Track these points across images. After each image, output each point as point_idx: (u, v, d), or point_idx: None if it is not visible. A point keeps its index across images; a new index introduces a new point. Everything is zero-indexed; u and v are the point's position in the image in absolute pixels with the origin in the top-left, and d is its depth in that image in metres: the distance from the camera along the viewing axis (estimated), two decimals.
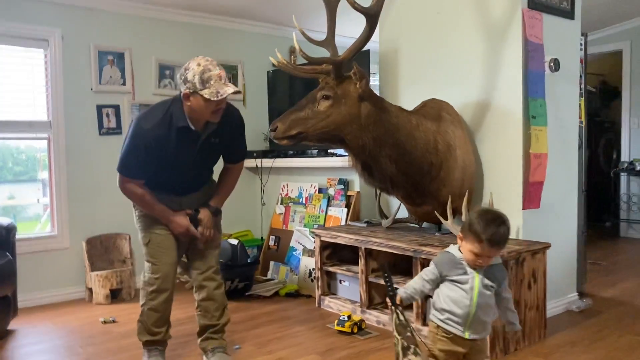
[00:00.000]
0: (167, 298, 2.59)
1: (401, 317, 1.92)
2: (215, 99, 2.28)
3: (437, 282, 1.97)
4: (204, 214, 2.60)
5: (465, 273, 1.93)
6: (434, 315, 2.00)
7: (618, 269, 4.58)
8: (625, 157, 6.10)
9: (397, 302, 1.95)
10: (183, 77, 2.31)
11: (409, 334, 1.90)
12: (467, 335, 1.93)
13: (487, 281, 1.93)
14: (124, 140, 2.48)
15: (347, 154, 3.68)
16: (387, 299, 1.97)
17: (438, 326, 1.97)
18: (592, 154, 6.17)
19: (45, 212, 4.13)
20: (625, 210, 6.12)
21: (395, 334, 1.91)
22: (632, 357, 2.65)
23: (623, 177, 6.16)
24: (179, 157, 2.45)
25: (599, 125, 6.80)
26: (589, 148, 3.91)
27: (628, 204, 6.09)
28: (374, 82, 4.49)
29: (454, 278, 1.94)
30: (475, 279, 1.91)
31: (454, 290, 1.93)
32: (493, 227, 1.87)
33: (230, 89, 2.30)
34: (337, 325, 3.08)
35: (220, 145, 2.57)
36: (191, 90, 2.30)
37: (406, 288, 2.00)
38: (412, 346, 1.87)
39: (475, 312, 1.91)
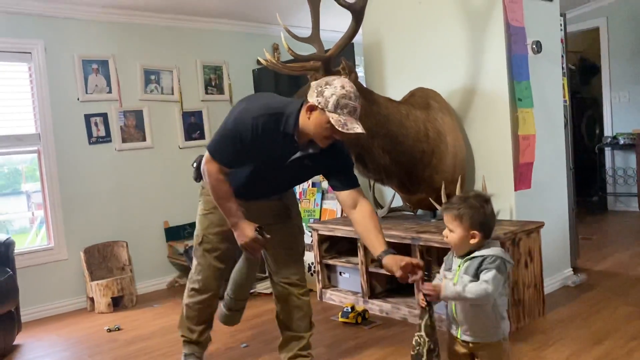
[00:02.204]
0: (205, 300, 2.50)
1: (433, 318, 1.85)
2: (339, 129, 2.03)
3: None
4: (391, 261, 2.03)
5: (450, 268, 1.86)
6: None
7: (609, 242, 4.69)
8: (608, 131, 6.21)
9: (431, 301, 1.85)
10: (319, 89, 2.07)
11: (436, 336, 1.85)
12: (458, 334, 1.85)
13: (465, 277, 1.78)
14: (224, 121, 2.22)
15: None
16: (422, 298, 1.84)
17: None
18: (576, 131, 6.26)
19: (35, 225, 4.12)
20: (611, 184, 6.24)
21: (424, 334, 1.83)
22: (629, 327, 2.73)
23: (607, 151, 6.27)
24: (268, 162, 2.23)
25: (581, 101, 6.90)
26: (573, 125, 3.98)
27: (614, 178, 6.21)
28: (359, 73, 4.52)
29: (446, 269, 1.90)
30: (456, 274, 1.82)
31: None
32: (454, 199, 1.90)
33: (358, 128, 2.05)
34: (341, 317, 3.13)
35: (311, 170, 2.34)
36: (321, 106, 2.05)
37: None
38: (437, 349, 1.83)
39: (455, 310, 1.83)
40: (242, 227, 2.20)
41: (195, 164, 2.44)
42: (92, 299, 3.91)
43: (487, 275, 1.73)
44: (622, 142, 5.96)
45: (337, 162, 2.27)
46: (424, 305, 1.84)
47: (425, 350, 1.82)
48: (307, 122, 2.09)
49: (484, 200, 1.84)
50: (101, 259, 4.10)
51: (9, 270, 3.15)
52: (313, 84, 2.12)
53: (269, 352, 2.83)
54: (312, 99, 2.07)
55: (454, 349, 1.90)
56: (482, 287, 1.72)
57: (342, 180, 2.27)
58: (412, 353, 1.85)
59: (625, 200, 6.11)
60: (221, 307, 2.44)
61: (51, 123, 3.93)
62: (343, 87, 2.05)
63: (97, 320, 3.69)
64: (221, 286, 2.55)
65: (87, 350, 3.12)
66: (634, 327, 2.72)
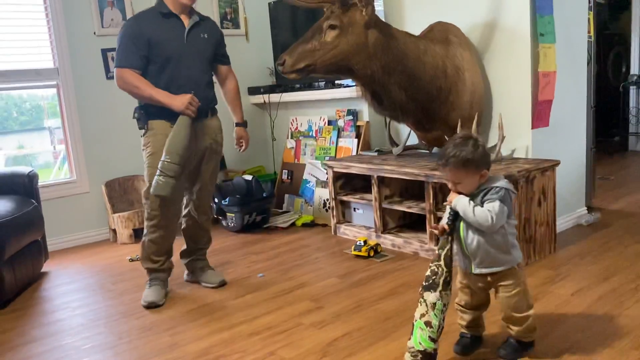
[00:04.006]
0: (166, 234, 2.74)
1: (453, 251, 1.86)
2: None
3: None
4: (239, 132, 2.95)
5: None
6: None
7: (626, 183, 4.65)
8: (634, 70, 6.03)
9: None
10: None
11: (452, 270, 1.84)
12: (472, 269, 1.87)
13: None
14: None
15: (355, 84, 3.70)
16: (445, 226, 1.86)
17: None
18: (601, 69, 6.08)
19: (58, 160, 4.21)
20: (634, 124, 6.12)
21: (442, 264, 1.82)
22: (638, 264, 2.76)
23: (632, 90, 6.11)
24: (170, 47, 2.61)
25: (608, 38, 6.67)
26: (598, 62, 3.87)
27: (637, 117, 6.08)
28: (378, 7, 4.40)
29: None
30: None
31: None
32: (445, 148, 1.83)
33: None
34: (354, 250, 3.21)
35: (209, 43, 2.75)
36: None
37: None
38: (451, 282, 1.84)
39: (464, 244, 1.86)
40: (177, 96, 2.59)
41: (135, 114, 2.75)
42: (114, 231, 4.04)
43: (490, 205, 1.80)
44: None
45: (219, 33, 2.84)
46: (446, 235, 1.85)
47: (441, 281, 1.80)
48: None
49: (473, 138, 1.84)
50: (122, 192, 4.21)
51: (34, 201, 3.26)
52: None
53: (285, 280, 2.94)
54: None
55: (468, 284, 1.93)
56: (486, 214, 1.78)
57: (222, 56, 2.87)
58: (424, 283, 1.83)
59: None
60: (156, 178, 2.54)
61: (68, 57, 3.93)
62: None
63: (119, 250, 3.84)
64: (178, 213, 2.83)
65: (111, 277, 3.26)
66: None
